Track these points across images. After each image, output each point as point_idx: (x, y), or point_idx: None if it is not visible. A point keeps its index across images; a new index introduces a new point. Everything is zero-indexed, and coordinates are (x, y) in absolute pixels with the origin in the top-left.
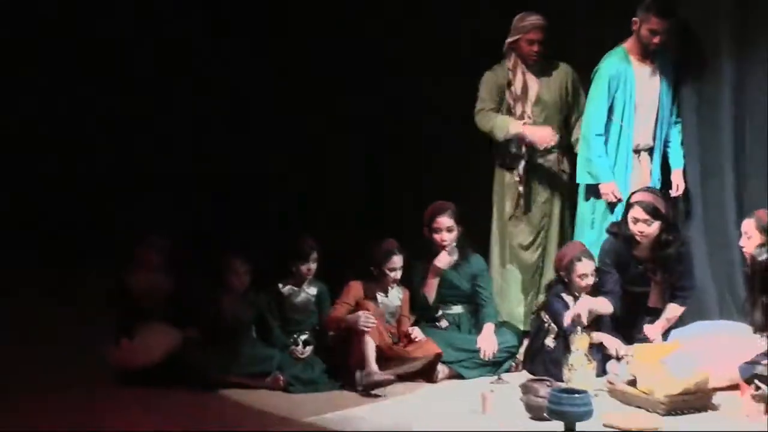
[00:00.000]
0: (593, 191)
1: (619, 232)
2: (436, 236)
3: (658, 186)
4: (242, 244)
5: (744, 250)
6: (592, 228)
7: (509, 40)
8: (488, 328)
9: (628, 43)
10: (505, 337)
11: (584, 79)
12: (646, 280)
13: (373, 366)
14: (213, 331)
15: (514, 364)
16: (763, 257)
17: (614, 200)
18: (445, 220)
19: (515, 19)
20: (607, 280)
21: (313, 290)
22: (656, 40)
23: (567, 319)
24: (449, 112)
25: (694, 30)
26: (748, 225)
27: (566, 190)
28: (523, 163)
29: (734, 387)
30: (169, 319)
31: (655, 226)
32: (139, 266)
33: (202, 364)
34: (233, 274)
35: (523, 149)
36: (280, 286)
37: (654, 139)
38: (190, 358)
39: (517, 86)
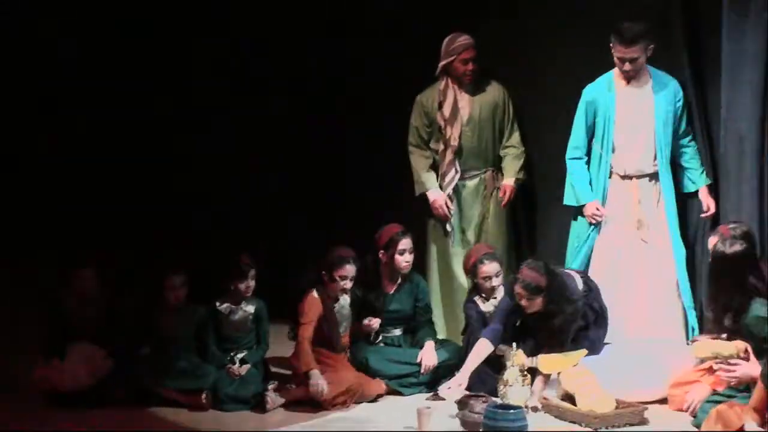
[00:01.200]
0: (580, 212)
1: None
2: (399, 258)
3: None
4: (179, 259)
5: None
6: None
7: (443, 62)
8: (429, 344)
9: (616, 68)
10: (445, 355)
11: None
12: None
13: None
14: (147, 345)
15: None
16: (734, 248)
17: (599, 219)
18: (407, 242)
19: (446, 42)
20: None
21: (251, 308)
22: (626, 67)
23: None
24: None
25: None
26: (713, 242)
27: (506, 208)
28: (449, 188)
29: (663, 401)
30: (101, 339)
31: (537, 302)
32: (73, 285)
33: (136, 376)
34: (169, 289)
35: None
36: (218, 304)
37: (656, 164)
38: (124, 369)
39: (447, 109)
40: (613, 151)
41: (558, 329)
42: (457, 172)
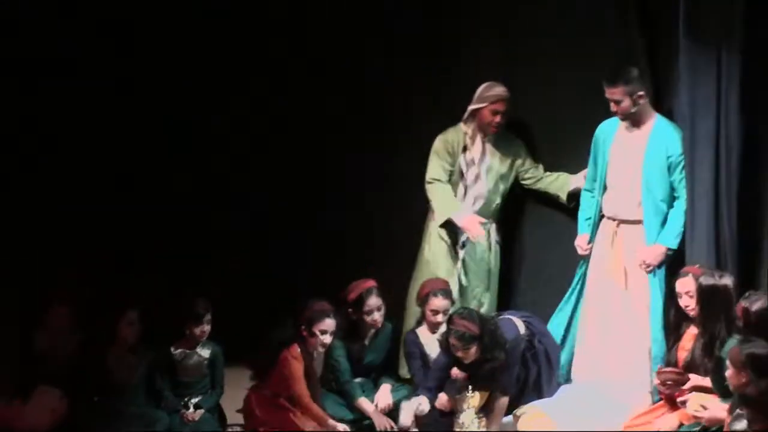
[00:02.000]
0: None
1: (446, 350)
2: (368, 318)
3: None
4: (133, 295)
5: (687, 309)
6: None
7: (473, 107)
8: (385, 387)
9: None
10: (403, 393)
11: None
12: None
13: None
14: (98, 390)
15: None
16: (716, 281)
17: (581, 253)
18: (375, 301)
19: (481, 88)
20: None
21: (206, 352)
22: (614, 108)
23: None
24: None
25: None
26: (687, 283)
27: (499, 262)
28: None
29: None
30: (70, 380)
31: (472, 351)
32: (45, 324)
33: (87, 425)
34: (125, 324)
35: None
36: (172, 349)
37: (640, 211)
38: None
39: (475, 154)
40: (605, 190)
41: (491, 376)
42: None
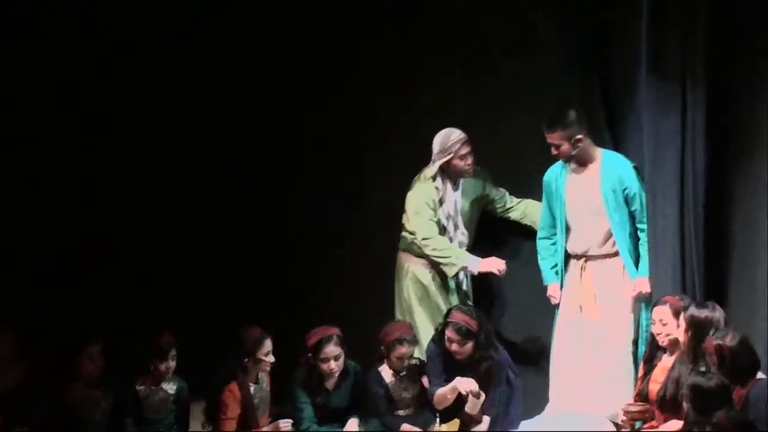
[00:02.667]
0: None
1: (439, 343)
2: (323, 366)
3: None
4: (95, 328)
5: (659, 337)
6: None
7: (442, 161)
8: (352, 422)
9: None
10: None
11: None
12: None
13: None
14: (62, 427)
15: None
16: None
17: (554, 302)
18: (332, 349)
19: (439, 140)
20: (435, 379)
21: (172, 388)
22: (554, 152)
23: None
24: None
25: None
26: (663, 312)
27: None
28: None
29: None
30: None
31: (468, 346)
32: None
33: None
34: (86, 358)
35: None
36: (137, 384)
37: (614, 246)
38: None
39: (448, 206)
40: (568, 232)
41: (485, 376)
42: None
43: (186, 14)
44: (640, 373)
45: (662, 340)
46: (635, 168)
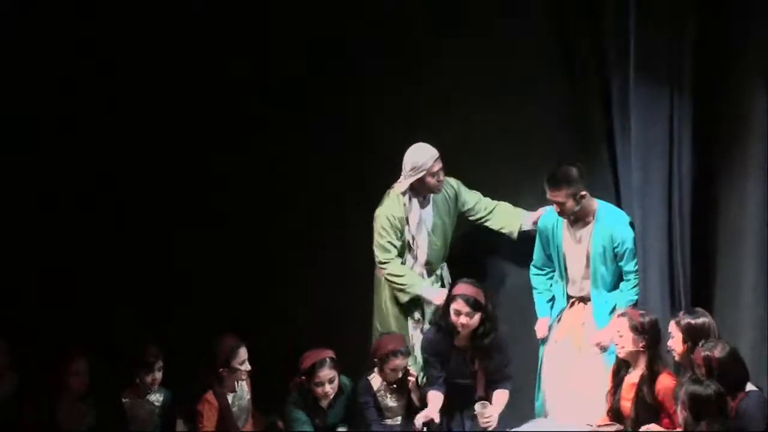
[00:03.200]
0: None
1: (440, 323)
2: (318, 389)
3: None
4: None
5: (616, 348)
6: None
7: (414, 178)
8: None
9: None
10: None
11: None
12: (467, 372)
13: None
14: None
15: None
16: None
17: (541, 337)
18: (327, 373)
19: (412, 158)
20: (433, 371)
21: (157, 399)
22: (557, 209)
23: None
24: None
25: None
26: (621, 324)
27: None
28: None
29: None
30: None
31: (476, 318)
32: None
33: None
34: (72, 374)
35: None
36: (123, 399)
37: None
38: None
39: (413, 223)
40: (567, 279)
41: (492, 347)
42: (423, 278)
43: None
44: (609, 386)
45: (618, 351)
46: (631, 223)
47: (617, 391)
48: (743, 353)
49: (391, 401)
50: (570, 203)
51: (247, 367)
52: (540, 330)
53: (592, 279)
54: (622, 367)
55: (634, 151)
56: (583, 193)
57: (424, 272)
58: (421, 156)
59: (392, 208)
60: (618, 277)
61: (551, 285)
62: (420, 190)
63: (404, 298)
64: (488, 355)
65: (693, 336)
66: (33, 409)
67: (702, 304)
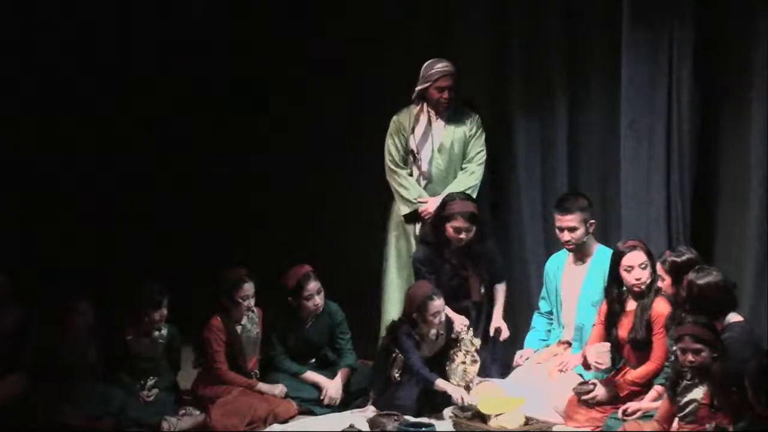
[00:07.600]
0: None
1: (430, 239)
2: (309, 303)
3: None
4: (86, 282)
5: (637, 282)
6: None
7: (419, 87)
8: (343, 372)
9: None
10: (359, 378)
11: None
12: (460, 278)
13: None
14: (48, 371)
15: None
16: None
17: (515, 363)
18: (314, 285)
19: (424, 67)
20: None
21: (162, 336)
22: (564, 236)
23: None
24: None
25: None
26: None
27: None
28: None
29: None
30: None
31: (473, 231)
32: None
33: (34, 405)
34: (77, 314)
35: None
36: (129, 337)
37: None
38: (21, 398)
39: (418, 134)
40: (564, 326)
41: (490, 251)
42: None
43: None
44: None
45: (639, 288)
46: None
47: (617, 321)
48: (742, 294)
49: (426, 351)
50: (581, 230)
51: (249, 303)
52: (522, 357)
53: (575, 329)
54: (625, 300)
55: (626, 87)
56: (593, 221)
57: (426, 188)
58: (432, 66)
59: (402, 114)
60: None
61: (549, 331)
62: (429, 104)
63: (404, 210)
64: (484, 259)
65: (677, 273)
66: (38, 343)
67: (701, 242)
